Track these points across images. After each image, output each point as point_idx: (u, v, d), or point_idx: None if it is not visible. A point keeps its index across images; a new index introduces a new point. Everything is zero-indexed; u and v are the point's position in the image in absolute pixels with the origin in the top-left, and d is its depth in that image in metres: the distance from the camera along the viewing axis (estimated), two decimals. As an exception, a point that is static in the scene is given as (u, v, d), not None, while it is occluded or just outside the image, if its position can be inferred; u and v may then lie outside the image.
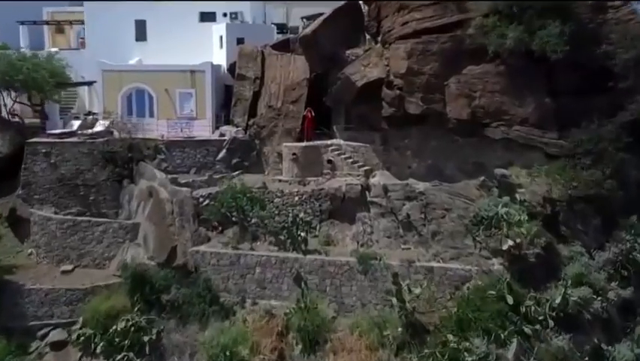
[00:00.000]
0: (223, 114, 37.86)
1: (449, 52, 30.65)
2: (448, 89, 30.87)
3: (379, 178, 32.73)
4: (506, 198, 29.14)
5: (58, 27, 48.27)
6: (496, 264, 28.22)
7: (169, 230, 31.56)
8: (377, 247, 30.94)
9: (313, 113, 34.51)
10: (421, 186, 31.51)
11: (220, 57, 40.45)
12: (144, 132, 36.12)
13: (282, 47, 37.86)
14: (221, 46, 40.51)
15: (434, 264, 28.99)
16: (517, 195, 29.21)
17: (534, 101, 30.26)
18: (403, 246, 30.85)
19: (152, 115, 37.82)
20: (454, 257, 29.12)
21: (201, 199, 32.64)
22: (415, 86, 31.04)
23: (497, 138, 30.85)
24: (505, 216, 28.32)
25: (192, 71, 37.45)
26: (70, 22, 46.10)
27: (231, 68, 38.03)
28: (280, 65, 36.63)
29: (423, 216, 30.63)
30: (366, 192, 32.08)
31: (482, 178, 30.95)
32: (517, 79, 30.23)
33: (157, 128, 36.40)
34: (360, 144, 34.14)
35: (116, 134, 35.97)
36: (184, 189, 32.46)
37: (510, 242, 27.71)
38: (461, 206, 30.09)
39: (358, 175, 32.92)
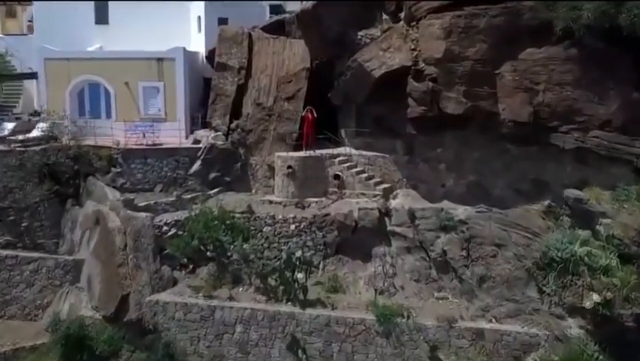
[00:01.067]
0: (200, 115, 29.80)
1: (502, 29, 22.47)
2: (500, 81, 22.68)
3: (403, 200, 24.62)
4: (586, 233, 21.02)
5: (9, 10, 40.18)
6: (575, 327, 20.08)
7: (119, 271, 23.41)
8: (402, 295, 22.80)
9: (315, 114, 26.36)
10: (461, 211, 23.39)
11: (199, 43, 32.37)
12: (96, 138, 28.02)
13: (276, 29, 29.81)
14: (200, 29, 32.46)
15: (485, 324, 20.84)
16: (601, 228, 21.02)
17: (619, 96, 22.06)
18: (436, 294, 22.71)
19: (109, 115, 29.69)
20: (511, 315, 20.96)
21: (165, 228, 24.47)
22: (456, 76, 22.89)
23: (567, 147, 22.64)
24: (586, 259, 20.19)
25: (160, 60, 29.31)
26: (19, 1, 37.90)
27: (210, 55, 29.95)
28: (273, 51, 28.53)
29: (465, 253, 22.49)
30: (386, 219, 24.08)
31: (547, 202, 22.84)
32: (595, 67, 22.05)
33: (113, 133, 28.28)
34: (377, 153, 26.07)
35: (64, 140, 27.81)
36: (142, 214, 24.28)
37: (596, 297, 19.56)
38: (520, 241, 21.94)
39: (375, 196, 24.82)
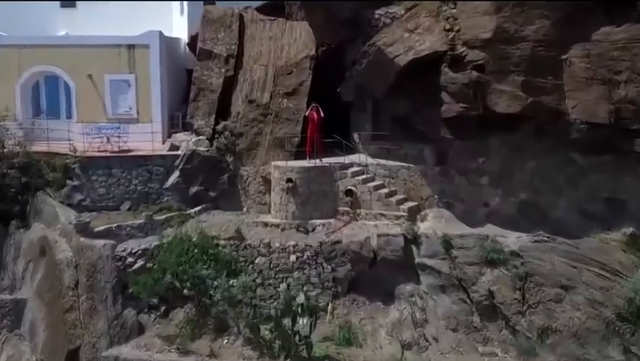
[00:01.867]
0: (181, 115, 24.48)
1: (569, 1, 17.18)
2: (568, 69, 17.35)
3: (434, 223, 19.34)
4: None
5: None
6: (681, 405, 14.84)
7: (67, 318, 18.14)
8: (436, 349, 17.49)
9: (322, 113, 20.96)
10: (512, 241, 18.07)
11: (181, 28, 27.13)
12: (50, 143, 22.77)
13: (273, 9, 24.51)
14: (182, 11, 27.19)
15: (553, 399, 15.60)
16: None
17: None
18: (481, 348, 17.43)
19: (70, 115, 24.47)
20: (588, 383, 15.74)
21: (130, 260, 19.15)
22: (510, 62, 17.53)
23: (655, 156, 17.34)
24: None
25: (131, 47, 24.05)
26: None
27: (194, 42, 24.65)
28: (269, 35, 23.22)
29: (520, 297, 17.21)
30: (413, 248, 18.84)
31: (630, 230, 17.49)
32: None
33: (71, 137, 23.01)
34: (401, 163, 20.76)
35: (9, 146, 22.57)
36: (100, 242, 18.99)
37: None
38: (594, 283, 16.61)
39: (398, 217, 19.54)
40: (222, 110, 22.63)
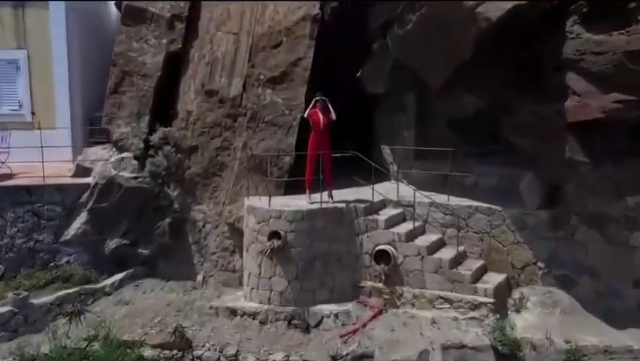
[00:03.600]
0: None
1: None
2: None
3: (543, 317, 10.41)
4: None
5: None
6: None
7: None
8: None
9: (333, 114, 11.72)
10: None
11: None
12: None
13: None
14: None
15: None
16: None
17: None
18: None
19: None
20: None
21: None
22: None
23: None
24: None
25: (20, 9, 15.16)
26: None
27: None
28: (243, -14, 14.45)
29: None
30: (510, 369, 10.08)
31: None
32: None
33: None
34: (473, 202, 11.74)
35: None
36: None
37: None
38: None
39: (476, 305, 10.62)
40: (162, 108, 13.64)
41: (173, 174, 12.99)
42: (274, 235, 11.36)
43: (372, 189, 11.86)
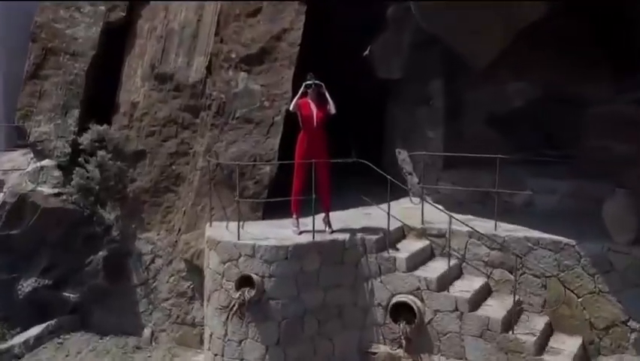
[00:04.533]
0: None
1: None
2: None
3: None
4: None
5: None
6: None
7: None
8: None
9: (331, 105, 8.15)
10: None
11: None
12: None
13: None
14: None
15: None
16: None
17: None
18: None
19: None
20: None
21: None
22: None
23: None
24: None
25: None
26: None
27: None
28: None
29: None
30: None
31: None
32: None
33: None
34: (531, 233, 8.07)
35: None
36: None
37: None
38: None
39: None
40: (98, 99, 10.16)
41: (110, 189, 9.50)
42: (245, 281, 7.88)
43: (388, 213, 8.37)
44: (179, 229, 9.17)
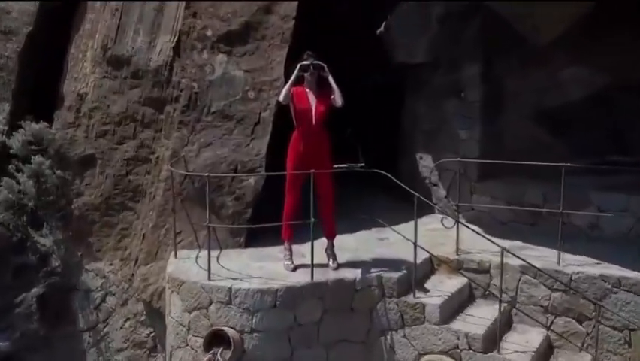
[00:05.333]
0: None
1: None
2: None
3: None
4: None
5: None
6: None
7: None
8: None
9: (337, 96, 6.01)
10: None
11: None
12: None
13: None
14: None
15: None
16: None
17: None
18: None
19: None
20: None
21: None
22: None
23: None
24: None
25: None
26: None
27: None
28: None
29: None
30: None
31: None
32: None
33: None
34: (619, 271, 5.96)
35: None
36: None
37: None
38: None
39: None
40: (35, 90, 7.96)
41: (49, 206, 7.34)
42: (218, 338, 5.80)
43: (415, 244, 6.19)
44: (137, 259, 7.07)
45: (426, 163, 8.25)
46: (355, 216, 7.75)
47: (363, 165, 7.76)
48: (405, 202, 6.72)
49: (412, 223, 6.09)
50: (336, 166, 6.54)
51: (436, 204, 7.85)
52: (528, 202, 7.23)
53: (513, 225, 7.38)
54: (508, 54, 7.42)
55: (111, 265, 7.25)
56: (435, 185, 8.12)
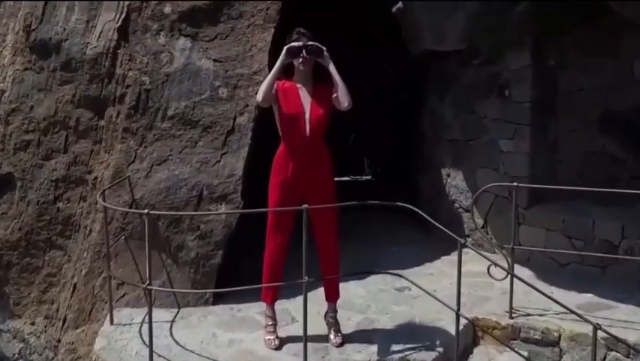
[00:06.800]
0: None
1: None
2: None
3: None
4: None
5: None
6: None
7: None
8: None
9: (344, 92, 4.07)
10: None
11: None
12: None
13: None
14: None
15: None
16: None
17: None
18: None
19: None
20: None
21: None
22: None
23: None
24: None
25: None
26: None
27: None
28: None
29: None
30: None
31: None
32: None
33: None
34: None
35: None
36: None
37: None
38: None
39: None
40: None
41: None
42: None
43: (458, 314, 4.08)
44: (65, 318, 5.21)
45: (455, 183, 6.37)
46: (364, 251, 5.97)
47: (370, 177, 6.52)
48: (427, 232, 4.99)
49: (438, 263, 4.29)
50: (337, 179, 4.69)
51: (468, 236, 6.04)
52: (599, 237, 5.43)
53: (576, 267, 5.57)
54: (570, 39, 5.60)
55: (33, 324, 5.36)
56: (467, 211, 6.27)
